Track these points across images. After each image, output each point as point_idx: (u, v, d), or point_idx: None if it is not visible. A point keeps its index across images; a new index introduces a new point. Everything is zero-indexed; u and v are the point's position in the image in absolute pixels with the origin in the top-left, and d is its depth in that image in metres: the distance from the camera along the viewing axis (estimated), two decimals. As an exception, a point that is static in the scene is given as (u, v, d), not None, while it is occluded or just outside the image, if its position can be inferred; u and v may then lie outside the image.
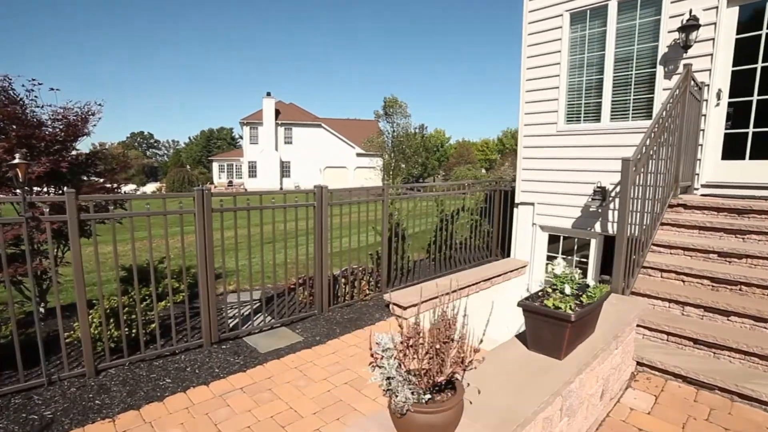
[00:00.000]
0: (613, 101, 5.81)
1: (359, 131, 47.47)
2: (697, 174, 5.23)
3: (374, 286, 5.85)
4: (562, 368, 2.34)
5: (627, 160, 3.49)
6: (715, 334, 3.34)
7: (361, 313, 5.18)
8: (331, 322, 4.85)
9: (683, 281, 3.95)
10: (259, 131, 46.38)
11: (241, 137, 57.41)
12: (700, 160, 5.19)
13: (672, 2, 5.15)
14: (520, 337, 2.74)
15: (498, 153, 62.43)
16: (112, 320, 3.71)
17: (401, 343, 1.47)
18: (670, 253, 4.27)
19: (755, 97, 4.86)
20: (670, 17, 5.16)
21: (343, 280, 5.49)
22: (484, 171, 50.74)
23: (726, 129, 5.10)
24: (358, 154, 46.95)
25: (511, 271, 6.93)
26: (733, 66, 4.96)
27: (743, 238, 4.12)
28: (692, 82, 4.80)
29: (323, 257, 4.99)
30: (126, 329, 3.70)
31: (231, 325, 4.49)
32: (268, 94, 45.29)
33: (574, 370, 2.32)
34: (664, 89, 5.26)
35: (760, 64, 4.79)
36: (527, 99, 6.74)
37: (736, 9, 4.86)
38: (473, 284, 6.21)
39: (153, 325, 3.91)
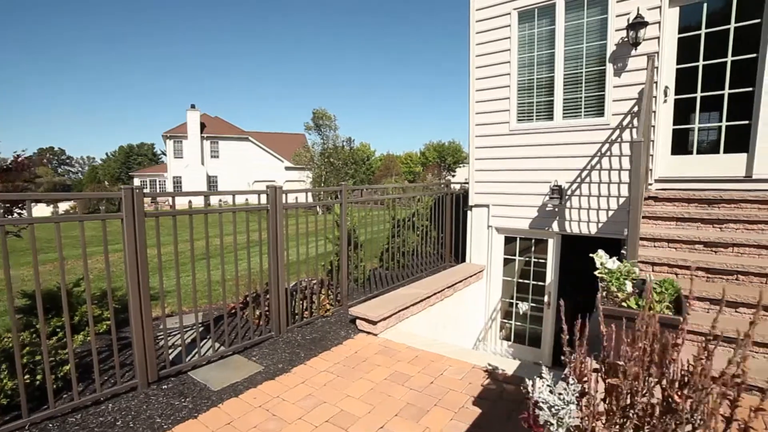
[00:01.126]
0: (564, 99, 5.81)
1: (288, 145, 46.26)
2: (651, 169, 5.27)
3: (334, 299, 5.22)
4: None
5: (639, 142, 3.27)
6: (735, 328, 3.08)
7: (325, 332, 4.54)
8: (293, 345, 4.15)
9: (677, 274, 3.76)
10: (184, 145, 43.60)
11: (163, 153, 53.74)
12: (652, 155, 5.22)
13: (618, 1, 5.23)
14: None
15: (421, 165, 63.76)
16: (4, 366, 2.78)
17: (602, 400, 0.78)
18: (654, 246, 4.11)
19: (699, 94, 5.00)
20: (617, 16, 5.24)
21: (300, 295, 4.80)
22: (407, 183, 51.32)
23: (673, 125, 5.20)
24: (287, 168, 45.63)
25: (471, 276, 6.62)
26: (677, 64, 5.11)
27: (721, 228, 4.08)
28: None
29: (279, 269, 4.29)
30: (27, 376, 2.78)
31: (172, 358, 3.63)
32: (193, 106, 42.82)
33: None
34: (614, 86, 5.34)
35: (701, 63, 4.93)
36: (477, 98, 6.62)
37: (677, 9, 5.02)
38: (438, 292, 5.79)
39: (67, 367, 2.99)
